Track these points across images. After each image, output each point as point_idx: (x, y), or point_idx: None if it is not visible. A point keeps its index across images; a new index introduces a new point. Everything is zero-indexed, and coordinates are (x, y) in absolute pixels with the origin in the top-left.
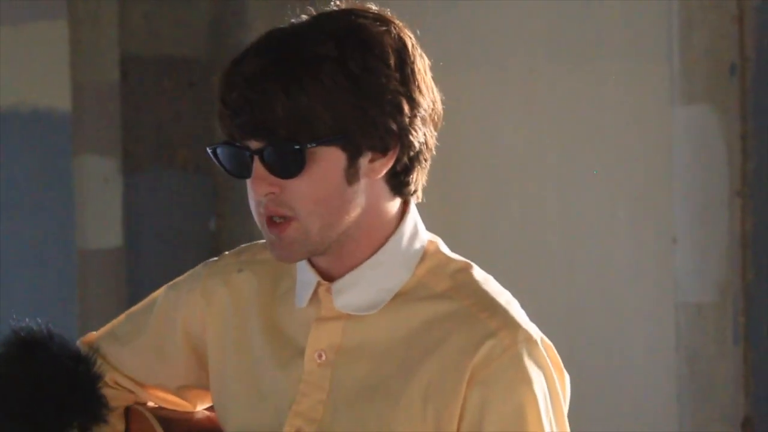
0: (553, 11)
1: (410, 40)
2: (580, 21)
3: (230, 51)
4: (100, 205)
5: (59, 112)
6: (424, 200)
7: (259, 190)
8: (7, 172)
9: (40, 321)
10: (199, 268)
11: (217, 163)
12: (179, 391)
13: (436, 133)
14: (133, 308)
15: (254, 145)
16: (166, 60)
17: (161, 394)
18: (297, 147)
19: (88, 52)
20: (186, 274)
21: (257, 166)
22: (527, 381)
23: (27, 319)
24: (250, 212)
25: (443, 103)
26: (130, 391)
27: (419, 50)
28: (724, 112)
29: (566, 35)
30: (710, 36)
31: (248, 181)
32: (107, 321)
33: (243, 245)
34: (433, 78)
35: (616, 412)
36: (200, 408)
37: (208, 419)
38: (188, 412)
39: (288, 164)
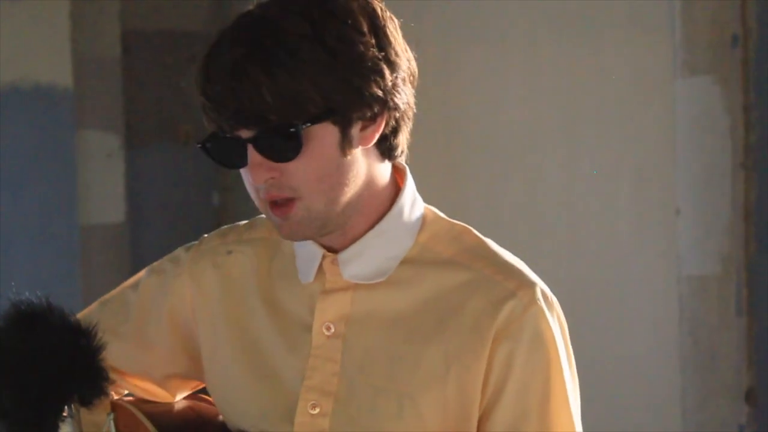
0: None
1: (378, 3)
2: None
3: None
4: (102, 180)
5: (61, 87)
6: (426, 175)
7: (258, 178)
8: (10, 148)
9: (39, 294)
10: (180, 252)
11: (209, 157)
12: (161, 381)
13: (413, 91)
14: (107, 296)
15: (245, 134)
16: (167, 34)
17: (141, 384)
18: (292, 129)
19: (90, 28)
20: (166, 258)
21: (252, 153)
22: (550, 335)
23: (27, 293)
24: None
25: (442, 72)
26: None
27: (388, 12)
28: (727, 83)
29: (568, 7)
30: (712, 7)
31: (243, 170)
32: None
33: (224, 227)
34: (406, 39)
35: (619, 384)
36: (179, 398)
37: (190, 408)
38: (168, 404)
39: (285, 148)
